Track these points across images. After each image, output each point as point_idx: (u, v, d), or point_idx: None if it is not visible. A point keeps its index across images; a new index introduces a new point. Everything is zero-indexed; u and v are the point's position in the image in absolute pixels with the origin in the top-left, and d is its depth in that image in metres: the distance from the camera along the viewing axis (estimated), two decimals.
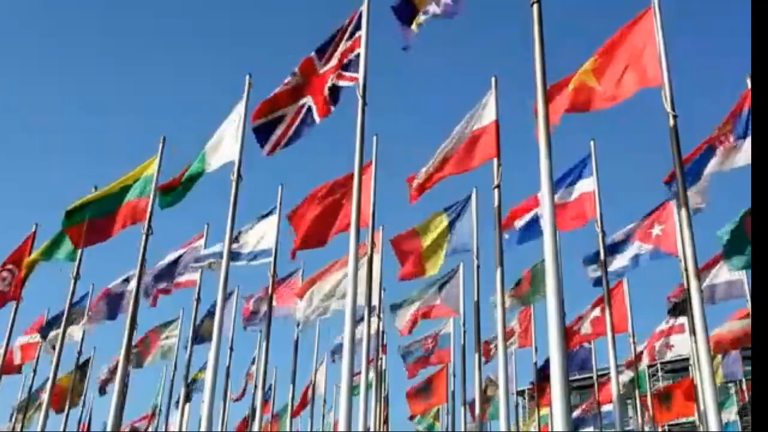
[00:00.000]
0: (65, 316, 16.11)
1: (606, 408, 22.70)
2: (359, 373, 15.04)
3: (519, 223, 15.09)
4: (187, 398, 21.11)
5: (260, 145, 11.91)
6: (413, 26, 10.98)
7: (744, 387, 27.49)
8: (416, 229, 15.22)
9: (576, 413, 25.39)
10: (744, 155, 10.80)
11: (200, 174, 13.74)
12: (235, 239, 16.59)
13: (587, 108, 10.66)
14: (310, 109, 11.75)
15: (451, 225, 14.95)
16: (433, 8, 10.97)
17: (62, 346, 16.05)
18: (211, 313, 19.82)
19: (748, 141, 10.69)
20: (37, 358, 21.27)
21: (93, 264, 18.45)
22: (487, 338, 18.67)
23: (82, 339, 20.94)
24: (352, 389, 9.01)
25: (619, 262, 15.60)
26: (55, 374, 16.27)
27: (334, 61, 11.66)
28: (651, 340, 20.60)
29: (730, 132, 11.13)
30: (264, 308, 18.71)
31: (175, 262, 18.79)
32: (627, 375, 20.86)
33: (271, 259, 16.73)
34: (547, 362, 17.53)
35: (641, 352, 19.95)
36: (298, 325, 19.44)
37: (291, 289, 19.59)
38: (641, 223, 15.44)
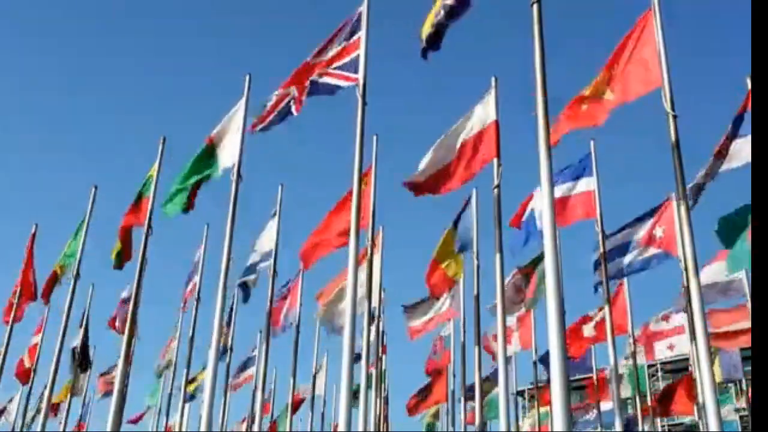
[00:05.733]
0: (65, 315, 16.09)
1: (606, 408, 22.68)
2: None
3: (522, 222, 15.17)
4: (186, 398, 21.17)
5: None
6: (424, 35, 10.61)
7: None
8: (436, 259, 15.65)
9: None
10: (742, 155, 10.77)
11: (209, 177, 13.58)
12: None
13: (598, 121, 10.63)
14: (293, 99, 11.81)
15: (456, 229, 15.11)
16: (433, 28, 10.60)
17: (62, 346, 16.04)
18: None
19: (747, 140, 10.66)
20: (37, 359, 21.22)
21: (94, 264, 18.48)
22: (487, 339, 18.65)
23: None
24: (353, 396, 9.02)
25: (622, 261, 15.47)
26: (55, 375, 16.23)
27: (325, 57, 11.64)
28: (649, 336, 20.50)
29: (727, 136, 11.11)
30: (290, 313, 19.11)
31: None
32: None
33: (271, 259, 16.80)
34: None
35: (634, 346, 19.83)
36: (298, 326, 19.45)
37: (293, 292, 19.70)
38: (643, 224, 15.24)
